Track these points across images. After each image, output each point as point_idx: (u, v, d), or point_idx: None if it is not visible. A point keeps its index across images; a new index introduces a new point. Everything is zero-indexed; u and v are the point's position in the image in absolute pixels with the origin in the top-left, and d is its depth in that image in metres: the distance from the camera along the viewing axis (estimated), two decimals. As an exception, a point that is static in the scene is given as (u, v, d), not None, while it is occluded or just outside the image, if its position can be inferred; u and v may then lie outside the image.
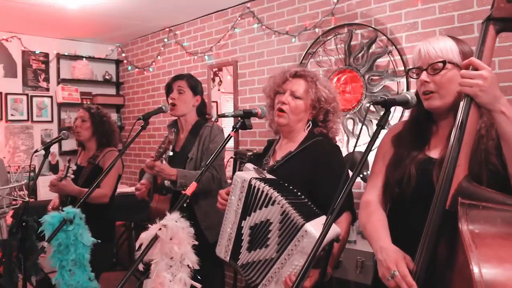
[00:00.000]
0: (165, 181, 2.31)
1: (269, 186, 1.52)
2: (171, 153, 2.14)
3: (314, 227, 1.39)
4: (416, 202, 1.30)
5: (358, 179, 2.74)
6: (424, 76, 1.31)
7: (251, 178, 1.57)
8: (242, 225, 1.58)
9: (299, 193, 1.56)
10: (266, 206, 1.51)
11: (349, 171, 1.66)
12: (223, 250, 1.65)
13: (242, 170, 1.72)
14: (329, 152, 1.70)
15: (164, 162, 2.18)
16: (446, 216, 1.04)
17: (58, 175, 2.68)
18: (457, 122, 1.10)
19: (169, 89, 2.50)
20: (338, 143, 1.86)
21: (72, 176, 2.59)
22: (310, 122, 1.79)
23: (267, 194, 1.51)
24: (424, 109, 1.37)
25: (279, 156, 1.78)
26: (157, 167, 2.12)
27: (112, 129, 2.94)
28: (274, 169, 1.72)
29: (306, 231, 1.38)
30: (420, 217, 1.13)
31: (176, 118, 2.57)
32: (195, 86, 2.49)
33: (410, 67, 1.39)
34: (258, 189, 1.54)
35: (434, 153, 1.35)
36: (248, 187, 1.57)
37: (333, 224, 1.39)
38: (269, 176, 1.64)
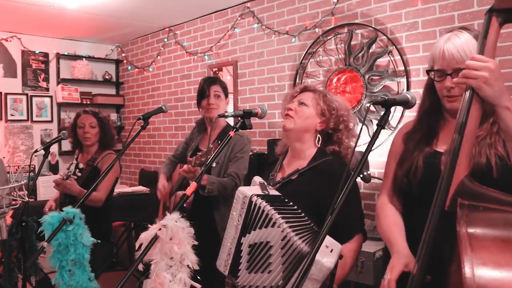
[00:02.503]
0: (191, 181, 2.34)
1: (270, 206, 1.49)
2: (214, 165, 2.16)
3: (320, 253, 1.34)
4: (423, 197, 1.30)
5: (358, 179, 2.73)
6: (448, 82, 1.29)
7: (252, 195, 1.54)
8: (241, 242, 1.57)
9: (300, 212, 1.53)
10: (266, 227, 1.49)
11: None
12: (222, 264, 1.65)
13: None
14: (339, 174, 1.62)
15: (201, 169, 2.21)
16: (448, 217, 1.00)
17: (63, 173, 2.69)
18: (459, 113, 1.04)
19: (203, 93, 2.54)
20: None
21: (79, 174, 2.60)
22: (318, 136, 1.73)
23: (267, 214, 1.49)
24: (434, 103, 1.36)
25: (287, 173, 1.74)
26: (198, 172, 2.11)
27: (114, 133, 3.00)
28: (280, 185, 1.70)
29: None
30: (426, 211, 1.09)
31: (203, 117, 2.63)
32: (226, 89, 2.60)
33: (430, 68, 1.35)
34: (259, 207, 1.51)
35: (442, 147, 1.35)
36: (248, 204, 1.55)
37: (334, 241, 1.37)
38: (273, 192, 1.62)
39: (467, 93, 1.06)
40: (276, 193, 1.61)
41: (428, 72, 1.37)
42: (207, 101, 2.50)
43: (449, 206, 1.01)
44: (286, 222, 1.45)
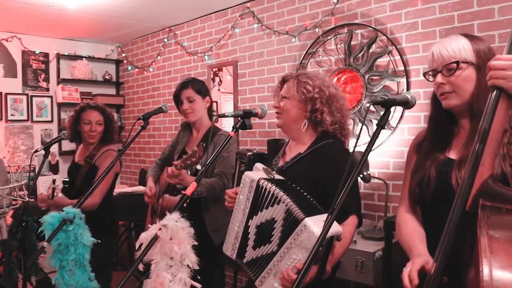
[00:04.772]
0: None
1: (276, 187, 1.53)
2: (199, 167, 2.16)
3: (313, 222, 1.40)
4: (436, 205, 1.30)
5: (359, 180, 2.73)
6: (439, 78, 1.30)
7: (259, 179, 1.59)
8: (249, 224, 1.60)
9: (305, 193, 1.57)
10: (272, 206, 1.53)
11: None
12: (230, 248, 1.68)
13: (241, 170, 1.73)
14: (337, 156, 1.67)
15: (188, 172, 2.18)
16: (468, 218, 0.98)
17: (47, 193, 2.62)
18: (483, 118, 1.01)
19: (177, 99, 2.52)
20: None
21: (61, 186, 2.53)
22: (305, 121, 1.76)
23: (273, 194, 1.53)
24: (442, 110, 1.35)
25: (288, 158, 1.78)
26: (182, 176, 2.11)
27: (116, 129, 2.92)
28: (283, 170, 1.73)
29: (305, 225, 1.39)
30: (443, 219, 1.09)
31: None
32: (201, 90, 2.52)
33: (426, 70, 1.37)
34: (266, 189, 1.56)
35: (453, 154, 1.33)
36: (256, 187, 1.59)
37: (335, 222, 1.40)
38: (277, 176, 1.65)
39: (493, 94, 1.03)
40: (280, 177, 1.65)
41: (424, 75, 1.38)
42: (181, 107, 2.49)
43: (470, 206, 0.98)
44: (290, 198, 1.48)
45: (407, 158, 1.52)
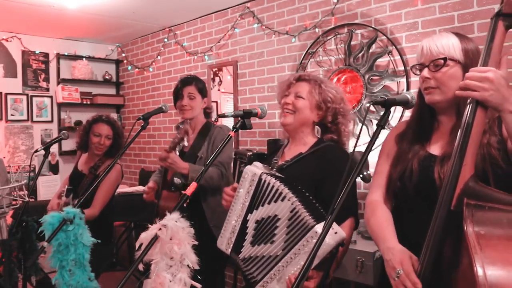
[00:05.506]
0: (175, 178, 2.34)
1: (280, 182, 1.52)
2: (186, 143, 2.17)
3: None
4: (419, 199, 1.30)
5: (358, 179, 2.74)
6: (425, 72, 1.33)
7: (262, 173, 1.58)
8: (247, 219, 1.59)
9: (307, 193, 1.56)
10: (275, 201, 1.51)
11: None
12: (225, 242, 1.65)
13: (241, 170, 1.73)
14: (339, 158, 1.68)
15: (177, 153, 2.18)
16: (452, 217, 1.02)
17: (61, 200, 2.69)
18: (463, 122, 1.07)
19: (178, 94, 2.54)
20: None
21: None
22: (317, 127, 1.76)
23: (277, 190, 1.52)
24: (426, 105, 1.37)
25: (288, 157, 1.77)
26: (171, 158, 2.13)
27: (123, 143, 2.97)
28: (283, 169, 1.72)
29: (316, 232, 1.38)
30: (423, 214, 1.11)
31: (182, 119, 2.62)
32: (202, 89, 2.56)
33: (414, 63, 1.39)
34: (269, 183, 1.55)
35: (435, 149, 1.35)
36: (258, 181, 1.58)
37: (340, 228, 1.41)
38: (277, 174, 1.65)
39: (471, 104, 1.07)
40: (280, 175, 1.64)
41: (411, 68, 1.41)
42: (180, 103, 2.50)
43: (455, 205, 1.02)
44: (296, 197, 1.48)
45: (384, 145, 1.51)
